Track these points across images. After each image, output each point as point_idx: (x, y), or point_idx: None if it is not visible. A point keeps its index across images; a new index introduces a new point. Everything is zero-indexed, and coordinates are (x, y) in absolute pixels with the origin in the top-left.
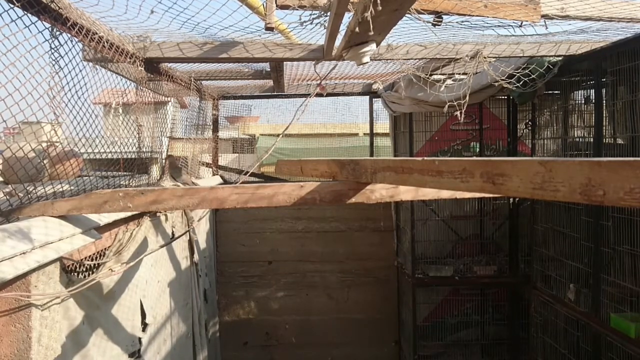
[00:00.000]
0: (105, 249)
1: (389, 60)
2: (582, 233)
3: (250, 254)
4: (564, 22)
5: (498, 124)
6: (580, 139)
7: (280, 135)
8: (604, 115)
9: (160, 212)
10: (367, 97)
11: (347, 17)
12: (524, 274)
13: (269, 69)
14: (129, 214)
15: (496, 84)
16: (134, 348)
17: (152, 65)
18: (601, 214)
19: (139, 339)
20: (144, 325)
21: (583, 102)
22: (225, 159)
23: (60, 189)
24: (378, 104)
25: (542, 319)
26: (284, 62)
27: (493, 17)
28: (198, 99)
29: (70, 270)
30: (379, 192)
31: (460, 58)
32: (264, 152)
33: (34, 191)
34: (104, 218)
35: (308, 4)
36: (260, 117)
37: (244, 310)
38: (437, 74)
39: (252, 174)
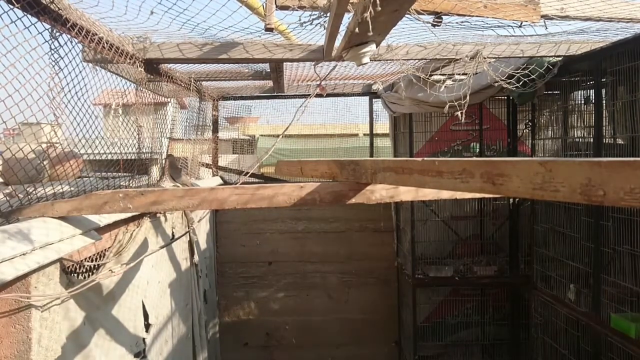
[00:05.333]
0: (105, 250)
1: (388, 61)
2: (582, 233)
3: (250, 255)
4: (563, 22)
5: (498, 124)
6: (580, 139)
7: (280, 136)
8: (604, 115)
9: (160, 213)
10: (367, 97)
11: (347, 18)
12: (524, 274)
13: (268, 70)
14: (129, 214)
15: (496, 84)
16: (138, 348)
17: (152, 66)
18: (601, 214)
19: (143, 339)
20: (147, 326)
21: (583, 102)
22: (225, 160)
23: (60, 190)
24: (378, 104)
25: (542, 319)
26: (284, 63)
27: (493, 18)
28: (198, 99)
29: (71, 271)
30: (379, 192)
31: (460, 58)
32: (264, 153)
33: (33, 192)
34: (103, 219)
35: (308, 5)
36: (260, 117)
37: (244, 311)
38: (437, 75)
39: (252, 175)
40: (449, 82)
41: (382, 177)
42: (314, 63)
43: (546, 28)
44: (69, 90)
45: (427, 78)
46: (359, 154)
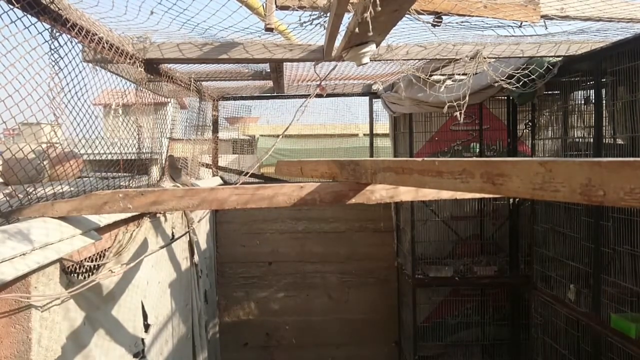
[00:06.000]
0: (105, 250)
1: (388, 61)
2: (582, 233)
3: (250, 255)
4: (563, 23)
5: (498, 124)
6: (580, 139)
7: (280, 136)
8: (604, 115)
9: (160, 213)
10: (367, 97)
11: (347, 18)
12: (524, 274)
13: (268, 70)
14: (129, 215)
15: (496, 84)
16: (137, 349)
17: (152, 66)
18: (601, 214)
19: (142, 339)
20: (146, 326)
21: (583, 102)
22: (225, 160)
23: (60, 190)
24: (378, 104)
25: (542, 320)
26: (284, 63)
27: (493, 18)
28: (198, 99)
29: (70, 272)
30: (379, 192)
31: (460, 58)
32: (264, 153)
33: (33, 192)
34: (103, 219)
35: (308, 5)
36: (260, 117)
37: (244, 311)
38: (436, 75)
39: (252, 175)
40: (449, 82)
41: (382, 177)
42: (314, 63)
43: (546, 28)
44: (69, 91)
45: (427, 78)
46: (359, 154)
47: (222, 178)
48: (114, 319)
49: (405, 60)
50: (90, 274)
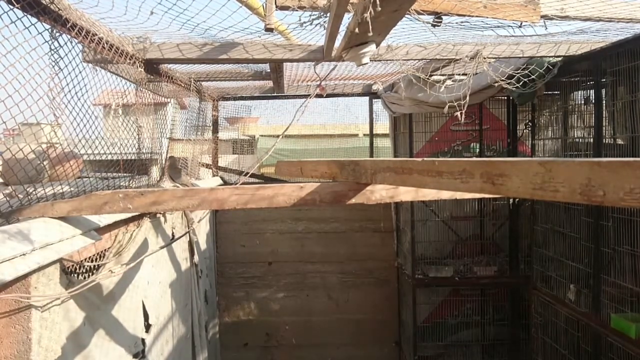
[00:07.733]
0: (105, 250)
1: (388, 61)
2: (582, 233)
3: (250, 255)
4: (563, 23)
5: (498, 124)
6: (580, 140)
7: (280, 136)
8: (604, 115)
9: (160, 214)
10: (367, 97)
11: (347, 18)
12: (524, 274)
13: (268, 70)
14: (128, 215)
15: (496, 84)
16: (137, 349)
17: (152, 67)
18: (601, 215)
19: (142, 339)
20: (147, 326)
21: (583, 102)
22: (225, 160)
23: (60, 190)
24: (378, 104)
25: (542, 320)
26: (284, 63)
27: (492, 18)
28: (198, 100)
29: (70, 272)
30: (379, 192)
31: (460, 59)
32: (264, 153)
33: (33, 192)
34: (103, 219)
35: (307, 5)
36: (260, 118)
37: (244, 311)
38: (436, 75)
39: (252, 175)
40: (448, 82)
41: (382, 177)
42: (314, 63)
43: (546, 28)
44: (69, 91)
45: (427, 78)
46: (359, 154)
47: (222, 178)
48: (114, 319)
49: (405, 60)
50: (90, 274)
